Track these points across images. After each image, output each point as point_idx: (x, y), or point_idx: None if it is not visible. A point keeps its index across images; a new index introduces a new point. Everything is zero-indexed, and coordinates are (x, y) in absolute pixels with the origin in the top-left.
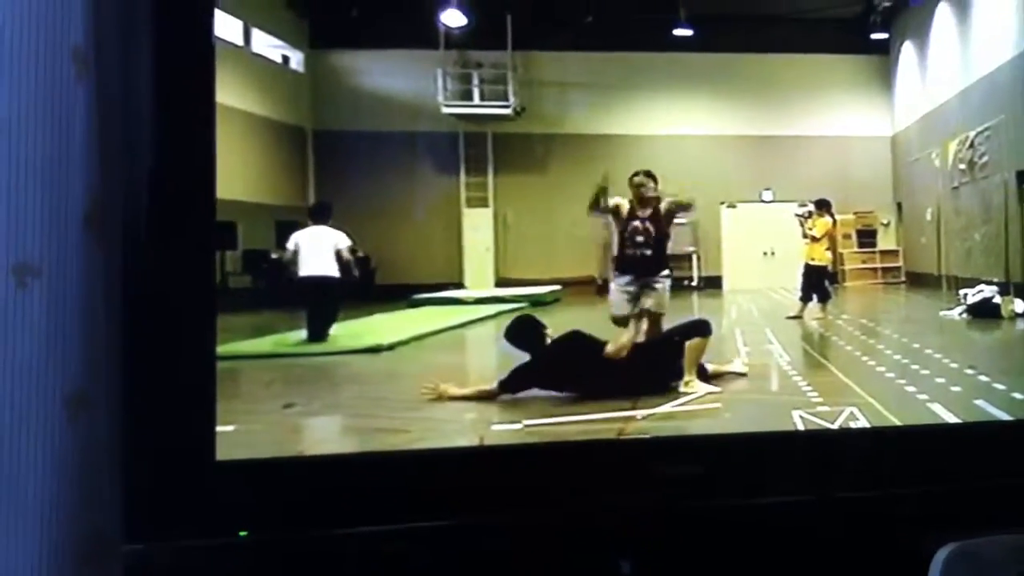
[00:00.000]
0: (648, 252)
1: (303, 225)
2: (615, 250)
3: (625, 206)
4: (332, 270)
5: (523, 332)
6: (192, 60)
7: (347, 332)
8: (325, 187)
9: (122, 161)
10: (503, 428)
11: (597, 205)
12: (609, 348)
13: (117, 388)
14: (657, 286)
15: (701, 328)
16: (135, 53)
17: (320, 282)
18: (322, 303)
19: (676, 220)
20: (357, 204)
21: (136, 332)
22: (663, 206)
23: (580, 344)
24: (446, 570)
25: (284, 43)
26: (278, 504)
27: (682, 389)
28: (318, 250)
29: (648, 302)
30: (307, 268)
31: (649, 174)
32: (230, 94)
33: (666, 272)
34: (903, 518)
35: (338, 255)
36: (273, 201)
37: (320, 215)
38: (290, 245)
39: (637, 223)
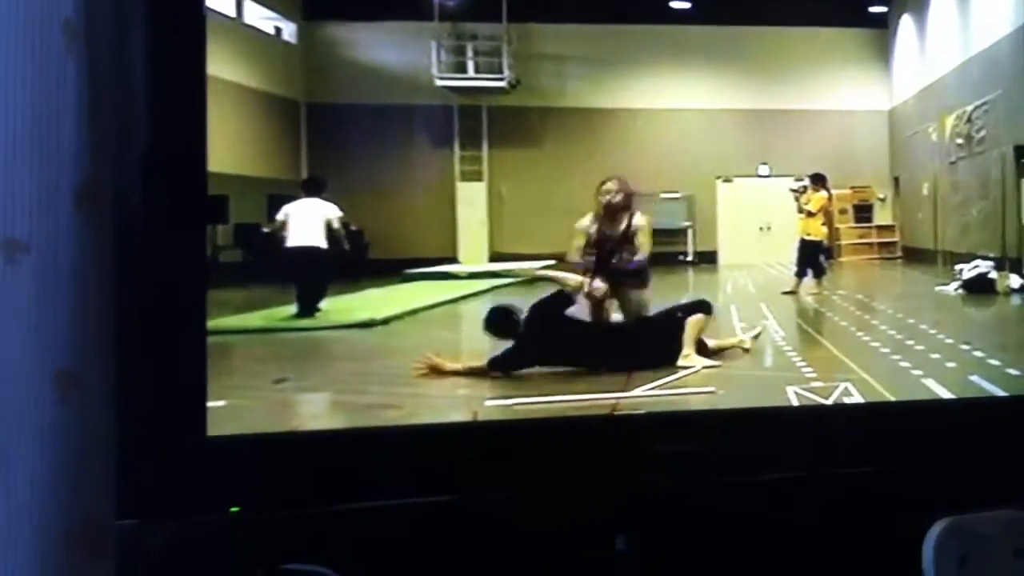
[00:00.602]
0: (626, 276)
1: (295, 199)
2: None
3: (593, 229)
4: (321, 241)
5: (497, 322)
6: (184, 32)
7: (340, 307)
8: (318, 160)
9: (113, 135)
10: (497, 404)
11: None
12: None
13: (108, 366)
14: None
15: (703, 307)
16: (126, 26)
17: (308, 253)
18: (310, 275)
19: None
20: (350, 178)
21: (127, 309)
22: (636, 223)
23: (562, 315)
24: (439, 546)
25: (277, 14)
26: (270, 480)
27: (680, 363)
28: (308, 221)
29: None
30: (295, 239)
31: (620, 180)
32: (222, 66)
33: (645, 288)
34: (897, 494)
35: (328, 226)
36: (265, 174)
37: (312, 188)
38: (280, 216)
39: (610, 247)
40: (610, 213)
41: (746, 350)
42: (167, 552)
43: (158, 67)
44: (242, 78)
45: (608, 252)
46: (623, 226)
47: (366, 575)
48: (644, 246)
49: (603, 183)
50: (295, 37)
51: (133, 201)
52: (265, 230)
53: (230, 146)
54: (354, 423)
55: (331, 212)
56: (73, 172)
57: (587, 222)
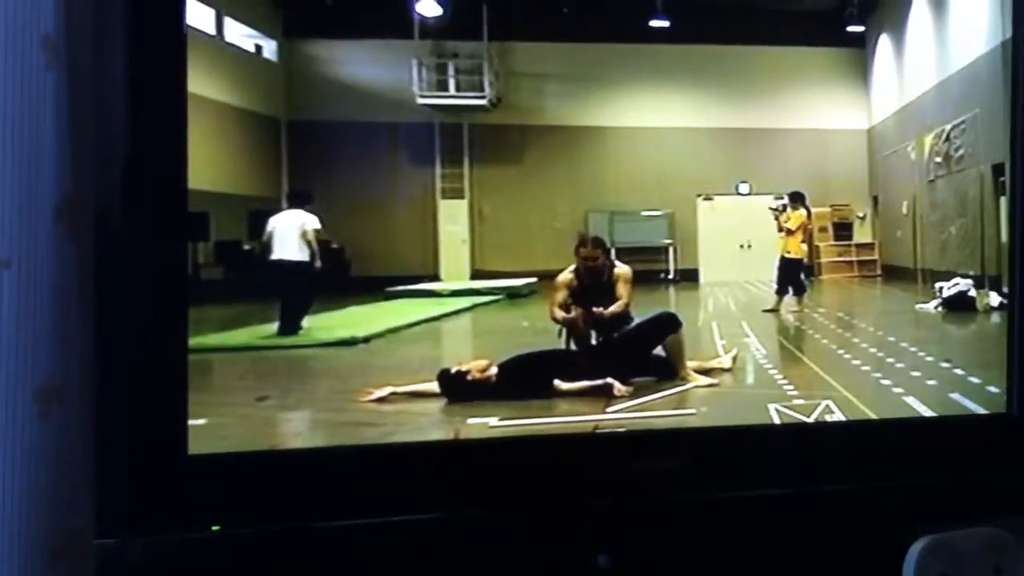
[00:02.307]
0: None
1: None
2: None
3: (574, 284)
4: (301, 255)
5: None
6: (164, 49)
7: (322, 324)
8: (299, 178)
9: (93, 152)
10: (478, 422)
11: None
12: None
13: (89, 382)
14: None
15: (671, 323)
16: (106, 42)
17: (289, 267)
18: (293, 290)
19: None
20: (331, 195)
21: (108, 325)
22: (616, 273)
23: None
24: (420, 564)
25: (257, 32)
26: (251, 498)
27: (683, 378)
28: (289, 233)
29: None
30: (278, 252)
31: (598, 242)
32: (202, 84)
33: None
34: (878, 512)
35: (303, 235)
36: (246, 192)
37: (295, 200)
38: (268, 227)
39: (592, 297)
40: (591, 272)
41: (727, 370)
42: (147, 571)
43: (139, 84)
44: (223, 96)
45: (590, 302)
46: (603, 279)
47: None
48: (624, 296)
49: (580, 246)
50: (276, 55)
51: (114, 217)
52: (246, 247)
53: (210, 163)
54: (334, 441)
55: (308, 222)
56: (54, 188)
57: (569, 276)
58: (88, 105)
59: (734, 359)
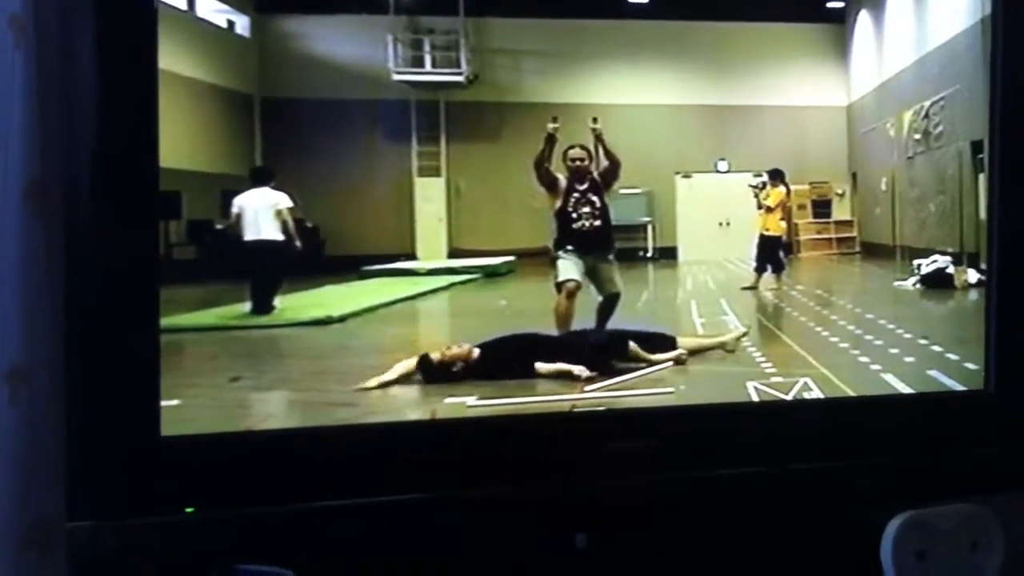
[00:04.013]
0: (597, 223)
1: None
2: (556, 229)
3: (563, 182)
4: (273, 234)
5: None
6: (134, 26)
7: (296, 304)
8: (272, 156)
9: (62, 132)
10: (456, 401)
11: (542, 164)
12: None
13: (59, 364)
14: (611, 258)
15: (668, 345)
16: (75, 20)
17: (263, 246)
18: (263, 269)
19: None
20: (306, 173)
21: (78, 307)
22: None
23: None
24: (398, 545)
25: (229, 7)
26: (225, 480)
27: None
28: (259, 213)
29: (606, 284)
30: (250, 232)
31: (585, 148)
32: (174, 60)
33: (613, 253)
34: (856, 489)
35: (278, 215)
36: (218, 170)
37: (261, 178)
38: (234, 209)
39: (577, 195)
40: (580, 177)
41: (730, 351)
42: (120, 554)
43: (108, 62)
44: (194, 72)
45: (583, 203)
46: (590, 183)
47: (324, 575)
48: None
49: (569, 148)
50: (248, 31)
51: (84, 198)
52: (219, 226)
53: (182, 141)
54: (308, 422)
55: (282, 202)
56: (22, 170)
57: (557, 175)
58: (56, 85)
59: (739, 338)
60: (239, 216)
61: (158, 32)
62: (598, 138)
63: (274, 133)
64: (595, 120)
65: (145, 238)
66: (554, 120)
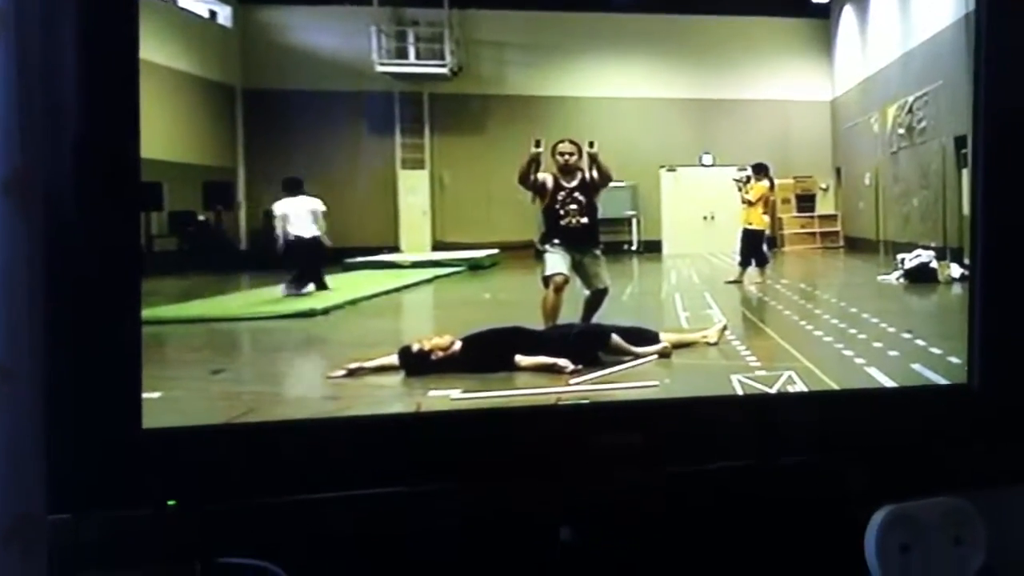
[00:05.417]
0: (584, 220)
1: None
2: (543, 225)
3: (551, 181)
4: (315, 231)
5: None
6: (116, 15)
7: (278, 296)
8: (255, 148)
9: (43, 123)
10: (440, 394)
11: (527, 177)
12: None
13: (39, 356)
14: (598, 252)
15: (650, 339)
16: (55, 10)
17: (306, 243)
18: (311, 259)
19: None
20: (289, 166)
21: (59, 299)
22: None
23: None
24: (381, 538)
25: None
26: (207, 473)
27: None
28: (302, 217)
29: (593, 279)
30: (296, 231)
31: (575, 143)
32: (155, 51)
33: (600, 248)
34: (840, 482)
35: (315, 217)
36: (200, 161)
37: (295, 187)
38: (278, 211)
39: (565, 193)
40: (568, 173)
41: (713, 344)
42: (102, 547)
43: (89, 52)
44: (176, 63)
45: (570, 201)
46: (579, 180)
47: (306, 568)
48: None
49: (559, 143)
50: (231, 21)
51: (64, 189)
52: (201, 218)
53: (164, 132)
54: (291, 415)
55: (318, 207)
56: (1, 161)
57: (544, 175)
58: (37, 75)
59: (722, 331)
60: (284, 218)
61: (139, 22)
62: (593, 159)
63: (257, 124)
64: (592, 144)
65: (127, 229)
66: (537, 144)
